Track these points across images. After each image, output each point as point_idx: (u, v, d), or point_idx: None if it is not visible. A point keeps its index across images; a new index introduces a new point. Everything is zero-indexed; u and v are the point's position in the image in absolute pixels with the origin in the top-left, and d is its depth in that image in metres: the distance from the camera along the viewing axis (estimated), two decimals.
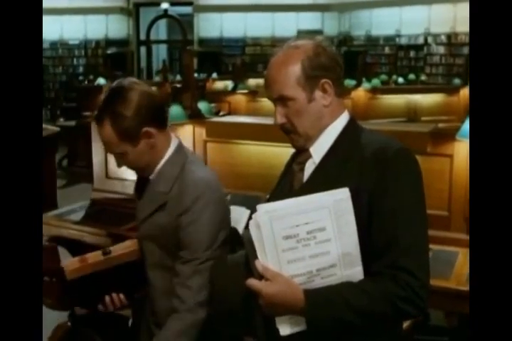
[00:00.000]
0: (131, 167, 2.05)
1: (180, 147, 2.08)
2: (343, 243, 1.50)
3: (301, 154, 1.77)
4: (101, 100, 1.99)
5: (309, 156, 1.73)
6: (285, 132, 1.75)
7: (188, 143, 4.06)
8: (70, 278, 2.01)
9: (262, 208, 1.46)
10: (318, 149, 1.72)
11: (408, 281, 1.49)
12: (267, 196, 1.88)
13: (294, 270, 1.48)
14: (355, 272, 1.53)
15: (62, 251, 3.27)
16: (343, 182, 1.56)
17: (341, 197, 1.50)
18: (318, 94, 1.69)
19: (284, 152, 3.36)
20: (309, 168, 1.73)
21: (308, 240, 1.47)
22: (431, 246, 2.98)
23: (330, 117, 1.72)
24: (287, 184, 1.79)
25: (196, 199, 1.94)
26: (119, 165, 2.05)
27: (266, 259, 1.48)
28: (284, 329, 1.52)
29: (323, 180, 1.65)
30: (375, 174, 1.57)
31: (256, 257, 1.49)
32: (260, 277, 1.49)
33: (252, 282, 1.50)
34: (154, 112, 2.00)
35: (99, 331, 2.61)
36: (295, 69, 1.67)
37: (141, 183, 2.12)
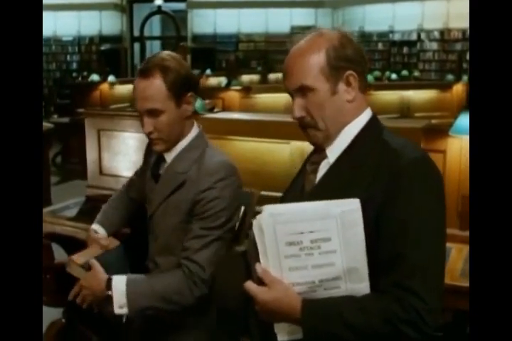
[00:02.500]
0: (160, 132, 2.00)
1: (201, 133, 2.12)
2: (349, 256, 1.41)
3: (317, 153, 1.66)
4: (147, 59, 2.01)
5: (325, 156, 1.62)
6: (303, 127, 1.62)
7: None
8: None
9: (267, 210, 1.40)
10: (335, 150, 1.60)
11: (413, 304, 1.38)
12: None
13: (295, 278, 1.42)
14: (362, 287, 1.45)
15: (56, 248, 3.27)
16: (354, 189, 1.47)
17: (351, 208, 1.40)
18: (341, 87, 1.57)
19: (278, 148, 3.37)
20: (323, 169, 1.62)
21: (311, 249, 1.40)
22: None
23: (352, 114, 1.60)
24: (299, 185, 1.70)
25: (221, 179, 1.97)
26: (148, 128, 1.98)
27: (267, 263, 1.42)
28: (282, 336, 1.48)
29: (334, 185, 1.55)
30: (385, 184, 1.46)
31: (257, 259, 1.44)
32: (259, 280, 1.44)
33: (250, 286, 1.45)
34: (195, 82, 2.08)
35: (93, 327, 2.61)
36: (319, 58, 1.54)
37: (156, 167, 2.14)
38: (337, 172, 1.58)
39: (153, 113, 1.97)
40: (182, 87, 1.99)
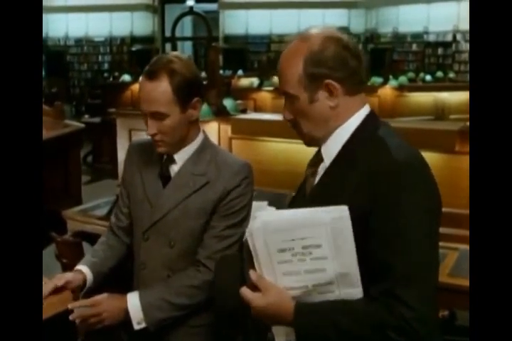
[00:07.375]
0: (163, 135, 1.97)
1: (207, 135, 2.14)
2: (340, 262, 1.43)
3: (315, 155, 1.69)
4: (155, 60, 1.96)
5: (321, 158, 1.64)
6: (292, 128, 1.68)
7: (213, 140, 4.04)
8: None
9: (259, 218, 1.43)
10: (329, 152, 1.62)
11: (402, 313, 1.39)
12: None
13: (289, 282, 1.46)
14: (355, 292, 1.47)
15: (87, 247, 3.28)
16: (342, 195, 1.49)
17: (340, 215, 1.41)
18: (322, 94, 1.57)
19: (309, 149, 3.34)
20: (321, 171, 1.64)
21: (303, 255, 1.42)
22: (459, 245, 2.96)
23: (338, 119, 1.59)
24: (303, 188, 1.72)
25: (245, 178, 2.02)
26: (151, 130, 1.95)
27: (261, 268, 1.47)
28: (279, 338, 1.54)
29: (329, 188, 1.58)
30: (374, 189, 1.46)
31: (252, 265, 1.48)
32: (254, 285, 1.48)
33: (245, 292, 1.49)
34: (201, 87, 2.05)
35: None
36: (297, 66, 1.55)
37: (165, 169, 2.08)
38: (331, 175, 1.60)
39: (158, 116, 1.94)
40: (188, 92, 1.95)
